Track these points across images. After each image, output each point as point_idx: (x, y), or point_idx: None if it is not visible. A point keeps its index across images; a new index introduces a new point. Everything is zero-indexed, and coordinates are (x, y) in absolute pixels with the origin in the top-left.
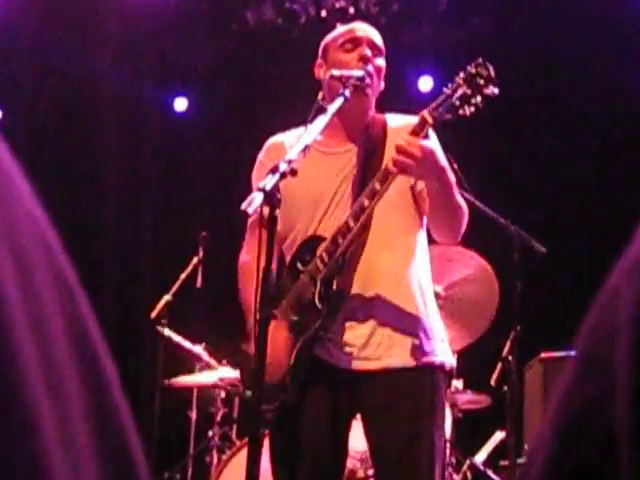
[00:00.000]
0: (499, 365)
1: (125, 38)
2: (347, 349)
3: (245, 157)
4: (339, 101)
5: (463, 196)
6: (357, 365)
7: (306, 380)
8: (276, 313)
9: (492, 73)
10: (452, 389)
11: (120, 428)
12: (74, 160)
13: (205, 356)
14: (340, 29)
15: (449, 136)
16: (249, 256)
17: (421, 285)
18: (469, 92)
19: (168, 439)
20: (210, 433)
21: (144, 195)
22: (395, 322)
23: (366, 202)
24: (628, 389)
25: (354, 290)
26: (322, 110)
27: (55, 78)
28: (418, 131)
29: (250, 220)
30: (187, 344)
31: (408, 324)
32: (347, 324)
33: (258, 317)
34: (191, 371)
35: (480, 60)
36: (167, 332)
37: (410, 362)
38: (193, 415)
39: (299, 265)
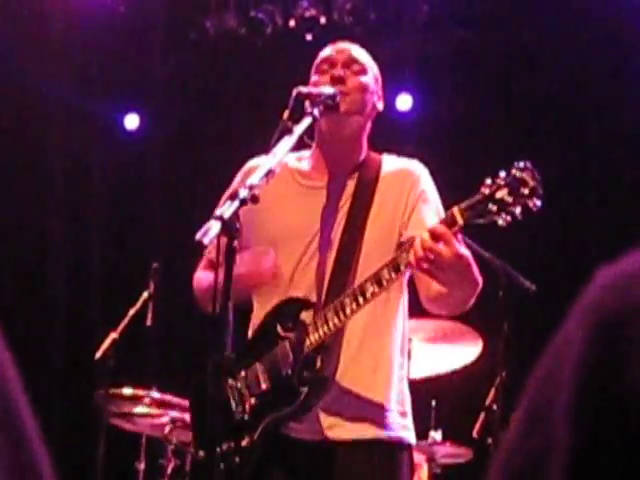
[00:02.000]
0: (482, 415)
1: (71, 47)
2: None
3: (203, 180)
4: (307, 121)
5: None
6: (314, 435)
7: (265, 457)
8: (232, 383)
9: (539, 184)
10: (430, 441)
11: None
12: (14, 183)
13: (153, 410)
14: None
15: (432, 156)
16: (204, 271)
17: (393, 363)
18: (509, 200)
19: None
20: None
21: (91, 221)
22: (360, 404)
23: (370, 288)
24: (565, 447)
25: (336, 377)
26: (288, 131)
27: None
28: (442, 231)
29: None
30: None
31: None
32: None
33: (209, 364)
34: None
35: (528, 164)
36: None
37: (364, 435)
38: (141, 466)
39: (279, 329)
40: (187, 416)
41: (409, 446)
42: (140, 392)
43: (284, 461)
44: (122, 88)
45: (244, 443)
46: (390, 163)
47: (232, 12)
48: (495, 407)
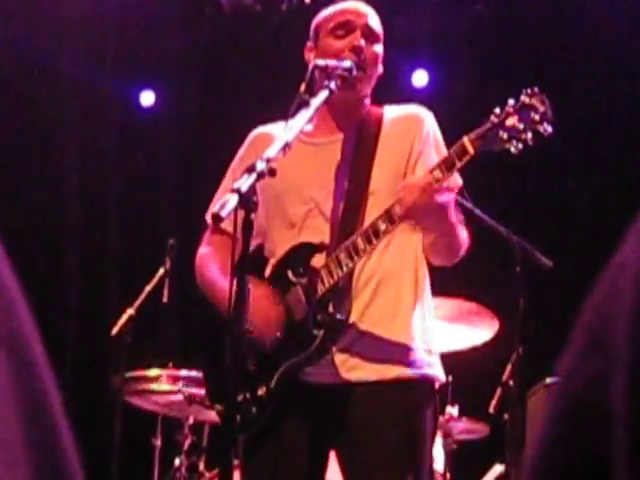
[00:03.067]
0: (499, 391)
1: (86, 24)
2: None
3: (219, 157)
4: (323, 94)
5: (460, 204)
6: (335, 379)
7: (283, 405)
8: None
9: (549, 109)
10: (446, 416)
11: None
12: (31, 160)
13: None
14: (333, 8)
15: (448, 133)
16: (208, 248)
17: (415, 304)
18: (520, 126)
19: (130, 469)
20: (176, 463)
21: (107, 198)
22: (380, 344)
23: (382, 226)
24: (626, 365)
25: (351, 320)
26: (305, 104)
27: (9, 66)
28: (454, 160)
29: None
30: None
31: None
32: (335, 350)
33: (231, 334)
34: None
35: (536, 90)
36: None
37: (387, 374)
38: (158, 443)
39: (290, 275)
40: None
41: (435, 383)
42: (156, 371)
43: (303, 407)
44: (138, 65)
45: (260, 392)
46: (392, 111)
47: None
48: (511, 383)
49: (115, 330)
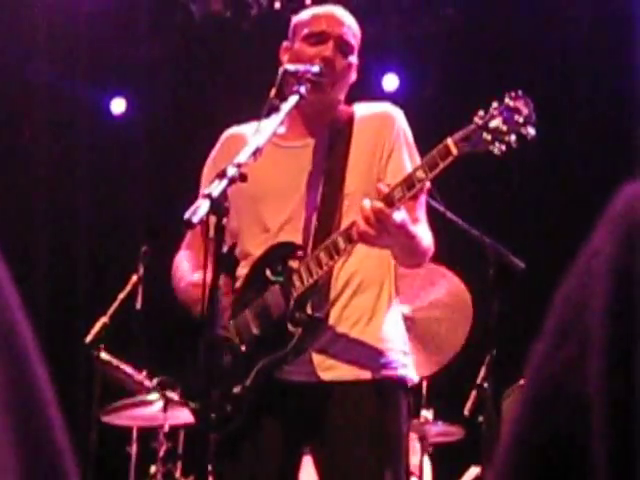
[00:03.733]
0: (473, 393)
1: (57, 31)
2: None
3: (189, 163)
4: (293, 99)
5: (431, 207)
6: (311, 377)
7: (258, 403)
8: (227, 325)
9: (533, 112)
10: (422, 420)
11: None
12: (0, 168)
13: (147, 383)
14: (311, 12)
15: (418, 137)
16: (186, 251)
17: (390, 306)
18: (504, 128)
19: (106, 478)
20: (152, 470)
21: (78, 204)
22: (356, 345)
23: (342, 245)
24: (601, 349)
25: (330, 320)
26: (275, 109)
27: None
28: (437, 161)
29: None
30: (127, 368)
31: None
32: (312, 349)
33: (204, 340)
34: (131, 395)
35: (520, 93)
36: (105, 356)
37: (363, 375)
38: (133, 450)
39: (269, 273)
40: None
41: (408, 383)
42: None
43: (279, 406)
44: (108, 72)
45: (236, 390)
46: (362, 109)
47: None
48: (486, 385)
49: (89, 338)
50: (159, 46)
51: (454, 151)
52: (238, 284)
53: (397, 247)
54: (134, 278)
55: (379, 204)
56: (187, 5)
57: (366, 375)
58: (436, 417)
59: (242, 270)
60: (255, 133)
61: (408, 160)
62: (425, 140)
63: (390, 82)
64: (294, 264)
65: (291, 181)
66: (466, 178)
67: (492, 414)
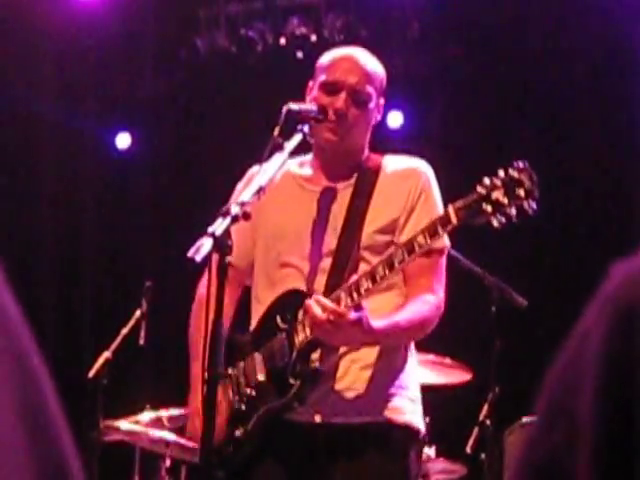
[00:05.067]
0: (476, 430)
1: (62, 66)
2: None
3: (194, 199)
4: (297, 138)
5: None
6: (319, 419)
7: (260, 447)
8: (230, 372)
9: (536, 185)
10: (424, 457)
11: None
12: (3, 202)
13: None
14: (331, 55)
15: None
16: (205, 290)
17: (401, 352)
18: (505, 201)
19: None
20: None
21: (82, 238)
22: (369, 391)
23: (365, 284)
24: (591, 437)
25: (341, 363)
26: (279, 147)
27: None
28: (437, 228)
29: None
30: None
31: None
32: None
33: (206, 376)
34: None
35: (526, 164)
36: (124, 425)
37: (369, 418)
38: None
39: (279, 320)
40: (181, 440)
41: (418, 431)
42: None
43: (284, 447)
44: (113, 107)
45: (238, 433)
46: (392, 163)
47: (222, 31)
48: (488, 422)
49: (92, 373)
50: (164, 81)
51: (454, 220)
52: (253, 325)
53: (360, 342)
54: (137, 313)
55: (330, 305)
56: (192, 40)
57: (375, 419)
58: (438, 454)
59: (255, 310)
60: (259, 172)
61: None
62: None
63: (394, 119)
64: (300, 314)
65: (311, 224)
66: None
67: (494, 451)
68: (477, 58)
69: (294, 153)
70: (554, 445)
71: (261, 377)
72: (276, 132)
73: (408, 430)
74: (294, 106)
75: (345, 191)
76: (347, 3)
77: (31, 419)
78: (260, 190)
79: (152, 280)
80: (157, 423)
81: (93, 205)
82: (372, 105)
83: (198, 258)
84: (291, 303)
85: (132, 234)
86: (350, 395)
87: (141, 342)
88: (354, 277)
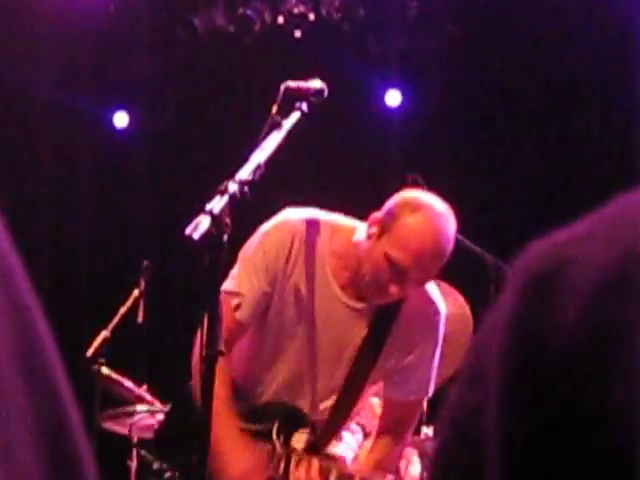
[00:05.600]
0: None
1: (60, 46)
2: None
3: (192, 177)
4: (295, 116)
5: None
6: None
7: None
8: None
9: None
10: (422, 436)
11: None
12: (2, 182)
13: (147, 397)
14: (411, 220)
15: (420, 153)
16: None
17: None
18: None
19: None
20: None
21: (80, 219)
22: None
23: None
24: (494, 398)
25: None
26: (277, 125)
27: None
28: None
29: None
30: (128, 383)
31: None
32: None
33: (204, 354)
34: (130, 415)
35: None
36: (105, 370)
37: None
38: (133, 465)
39: (274, 433)
40: None
41: None
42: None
43: None
44: (111, 86)
45: None
46: (413, 300)
47: (220, 10)
48: None
49: (90, 352)
50: (162, 60)
51: None
52: (239, 417)
53: None
54: (136, 292)
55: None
56: (190, 19)
57: None
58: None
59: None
60: (257, 150)
61: (430, 376)
62: (427, 155)
63: (393, 98)
64: (296, 446)
65: (329, 337)
66: (467, 195)
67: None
68: (476, 37)
69: (290, 133)
70: (471, 405)
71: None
72: (274, 110)
73: None
74: (292, 84)
75: (364, 314)
76: None
77: (28, 368)
78: (257, 168)
79: (150, 259)
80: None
81: (90, 184)
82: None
83: (196, 236)
84: (291, 420)
85: (130, 213)
86: None
87: (139, 320)
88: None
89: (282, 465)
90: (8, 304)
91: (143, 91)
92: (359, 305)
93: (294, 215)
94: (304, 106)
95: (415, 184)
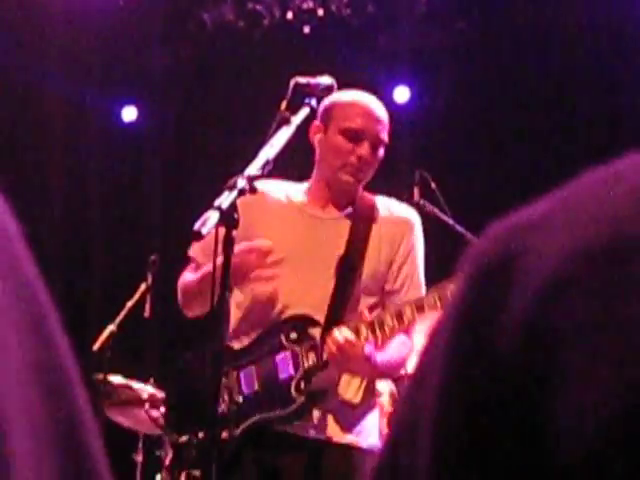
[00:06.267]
0: None
1: (69, 40)
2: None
3: (200, 172)
4: (304, 112)
5: (441, 220)
6: (309, 433)
7: (243, 453)
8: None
9: None
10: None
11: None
12: (13, 176)
13: (154, 393)
14: (346, 99)
15: (429, 149)
16: (188, 276)
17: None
18: None
19: None
20: (158, 479)
21: (88, 213)
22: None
23: (390, 322)
24: (434, 389)
25: (331, 396)
26: (286, 121)
27: None
28: (424, 306)
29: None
30: (135, 385)
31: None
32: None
33: (209, 351)
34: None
35: None
36: (112, 379)
37: (365, 443)
38: (139, 459)
39: (283, 338)
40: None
41: None
42: (134, 384)
43: (268, 455)
44: (120, 81)
45: (223, 435)
46: (385, 206)
47: (229, 4)
48: None
49: (96, 345)
50: (171, 55)
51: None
52: (246, 341)
53: (363, 374)
54: (143, 286)
55: (351, 336)
56: (199, 14)
57: (365, 443)
58: None
59: (248, 328)
60: (266, 146)
61: (419, 274)
62: (435, 152)
63: (401, 94)
64: (312, 339)
65: (310, 250)
66: (475, 192)
67: None
68: (485, 33)
69: (299, 129)
70: (416, 403)
71: (257, 387)
72: (283, 106)
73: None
74: (302, 80)
75: (342, 223)
76: None
77: (45, 374)
78: (267, 164)
79: (157, 253)
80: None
81: (99, 178)
82: (383, 151)
83: (204, 231)
84: (298, 326)
85: (137, 207)
86: (345, 417)
87: (146, 315)
88: (375, 312)
89: (311, 355)
90: (25, 312)
91: (152, 86)
92: (337, 214)
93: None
94: (313, 102)
95: (423, 180)
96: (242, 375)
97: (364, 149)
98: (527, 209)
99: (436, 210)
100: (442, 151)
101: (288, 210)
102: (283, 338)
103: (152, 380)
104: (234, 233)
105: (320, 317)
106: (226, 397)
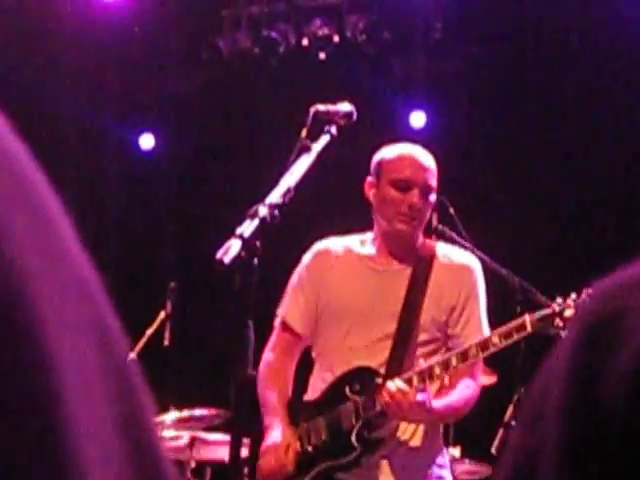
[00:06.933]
0: (501, 431)
1: (86, 68)
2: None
3: (218, 200)
4: (324, 139)
5: (460, 245)
6: None
7: None
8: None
9: None
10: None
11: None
12: None
13: (173, 430)
14: (394, 152)
15: (446, 174)
16: (272, 354)
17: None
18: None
19: None
20: None
21: (105, 240)
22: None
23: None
24: (553, 445)
25: (390, 446)
26: (306, 149)
27: (8, 110)
28: (512, 333)
29: (277, 320)
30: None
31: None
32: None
33: (232, 381)
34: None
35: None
36: None
37: None
38: None
39: (347, 390)
40: (205, 434)
41: None
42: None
43: None
44: (137, 108)
45: None
46: (445, 252)
47: (245, 32)
48: (514, 423)
49: None
50: (187, 82)
51: (529, 328)
52: (317, 394)
53: (419, 419)
54: (162, 314)
55: (403, 386)
56: (215, 41)
57: None
58: (463, 455)
59: (316, 378)
60: (287, 174)
61: (480, 316)
62: (451, 177)
63: (417, 119)
64: (372, 390)
65: (374, 304)
66: (492, 216)
67: None
68: (500, 58)
69: (320, 156)
70: (530, 450)
71: (325, 437)
72: (304, 134)
73: None
74: (322, 107)
75: (403, 273)
76: (370, 3)
77: (128, 426)
78: (288, 192)
79: (177, 281)
80: (181, 423)
81: (117, 206)
82: (434, 197)
83: (227, 260)
84: (361, 378)
85: (156, 235)
86: (409, 465)
87: (166, 343)
88: (425, 363)
89: (370, 405)
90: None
91: (169, 113)
92: (398, 266)
93: (325, 241)
94: (333, 129)
95: (442, 205)
96: (311, 426)
97: (414, 197)
98: (628, 268)
99: (455, 235)
100: (458, 175)
101: (354, 263)
102: (347, 390)
103: (172, 408)
104: (255, 261)
105: (382, 368)
106: (298, 448)
